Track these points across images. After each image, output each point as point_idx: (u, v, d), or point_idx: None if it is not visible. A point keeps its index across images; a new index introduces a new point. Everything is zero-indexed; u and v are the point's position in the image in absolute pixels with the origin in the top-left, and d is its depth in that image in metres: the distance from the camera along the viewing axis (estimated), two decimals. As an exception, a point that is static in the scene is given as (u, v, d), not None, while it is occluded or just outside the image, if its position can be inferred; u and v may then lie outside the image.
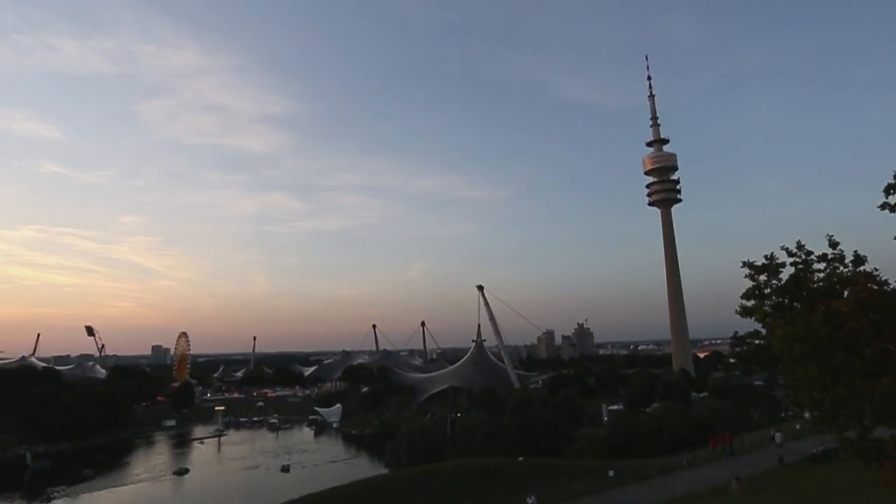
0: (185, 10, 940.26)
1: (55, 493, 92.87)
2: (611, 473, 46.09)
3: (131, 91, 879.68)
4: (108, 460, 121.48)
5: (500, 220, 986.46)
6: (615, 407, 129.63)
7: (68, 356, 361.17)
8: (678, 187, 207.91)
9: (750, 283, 29.19)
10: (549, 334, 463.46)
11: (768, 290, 27.66)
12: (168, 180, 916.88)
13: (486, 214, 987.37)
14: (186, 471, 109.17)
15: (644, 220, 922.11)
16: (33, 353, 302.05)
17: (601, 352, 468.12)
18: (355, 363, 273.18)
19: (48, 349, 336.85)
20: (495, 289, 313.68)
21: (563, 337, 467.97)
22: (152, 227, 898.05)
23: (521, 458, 55.95)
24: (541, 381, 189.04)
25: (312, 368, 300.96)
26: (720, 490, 39.13)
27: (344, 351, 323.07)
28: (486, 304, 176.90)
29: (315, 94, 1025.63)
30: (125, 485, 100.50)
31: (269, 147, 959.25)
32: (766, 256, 27.54)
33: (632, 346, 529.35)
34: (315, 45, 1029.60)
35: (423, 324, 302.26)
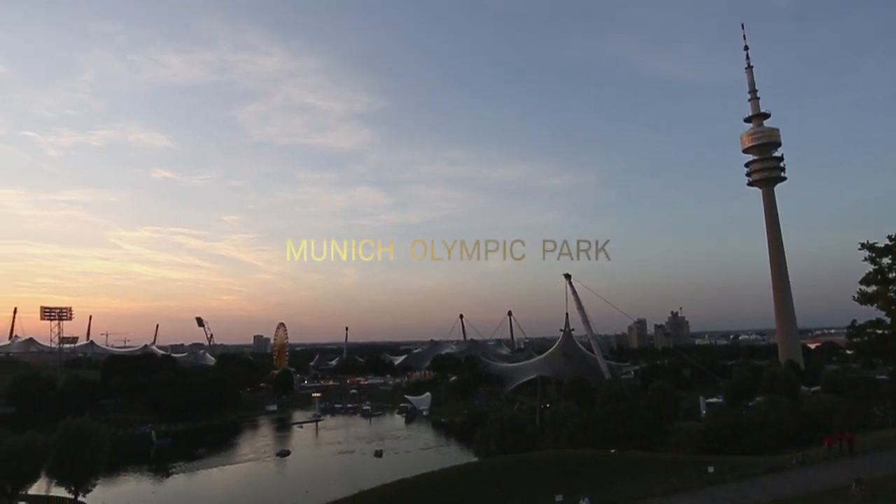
0: (272, 16, 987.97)
1: (173, 468, 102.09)
2: (710, 470, 43.71)
3: (228, 98, 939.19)
4: (218, 440, 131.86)
5: (586, 206, 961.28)
6: (714, 400, 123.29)
7: (182, 345, 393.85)
8: (782, 165, 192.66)
9: (871, 267, 26.50)
10: (641, 323, 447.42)
11: (894, 275, 25.00)
12: (263, 180, 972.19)
13: (571, 201, 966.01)
14: (288, 453, 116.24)
15: (744, 201, 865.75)
16: (153, 342, 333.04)
17: (698, 342, 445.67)
18: (443, 353, 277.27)
19: (165, 338, 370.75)
20: (583, 277, 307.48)
21: (656, 326, 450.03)
22: (250, 225, 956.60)
23: (613, 451, 54.49)
24: (633, 372, 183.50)
25: (402, 358, 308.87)
26: (837, 492, 35.92)
27: (432, 341, 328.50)
28: (574, 292, 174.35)
29: (396, 88, 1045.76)
30: (234, 463, 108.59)
31: (354, 143, 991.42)
32: (889, 237, 24.84)
33: (731, 336, 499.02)
34: (394, 40, 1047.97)
35: (509, 313, 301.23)
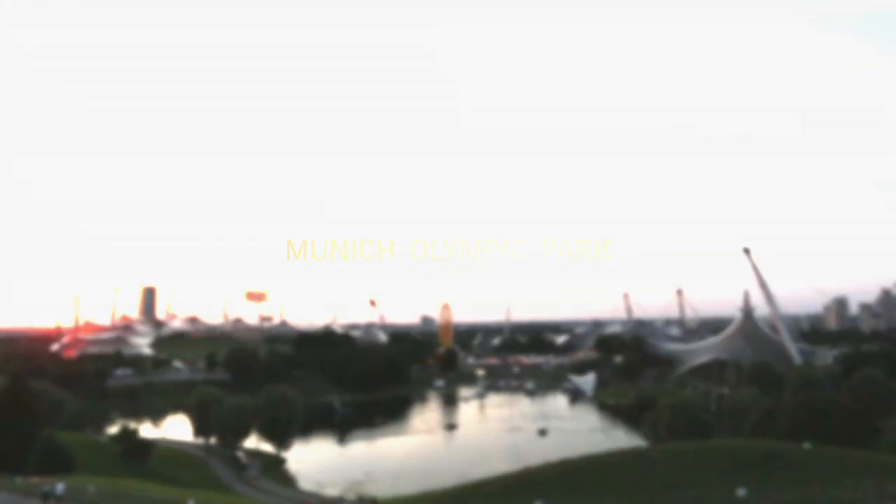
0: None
1: (355, 435, 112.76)
2: (941, 476, 36.76)
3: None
4: (392, 411, 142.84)
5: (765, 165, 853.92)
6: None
7: (358, 324, 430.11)
8: None
9: None
10: (841, 302, 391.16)
11: None
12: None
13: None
14: (455, 426, 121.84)
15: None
16: (333, 321, 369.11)
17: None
18: (607, 332, 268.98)
19: (344, 318, 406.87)
20: (766, 251, 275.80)
21: (862, 305, 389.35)
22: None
23: (807, 446, 48.61)
24: (831, 358, 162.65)
25: (564, 337, 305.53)
26: None
27: (595, 320, 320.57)
28: (755, 267, 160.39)
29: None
30: (407, 434, 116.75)
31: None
32: None
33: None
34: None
35: (679, 292, 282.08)
